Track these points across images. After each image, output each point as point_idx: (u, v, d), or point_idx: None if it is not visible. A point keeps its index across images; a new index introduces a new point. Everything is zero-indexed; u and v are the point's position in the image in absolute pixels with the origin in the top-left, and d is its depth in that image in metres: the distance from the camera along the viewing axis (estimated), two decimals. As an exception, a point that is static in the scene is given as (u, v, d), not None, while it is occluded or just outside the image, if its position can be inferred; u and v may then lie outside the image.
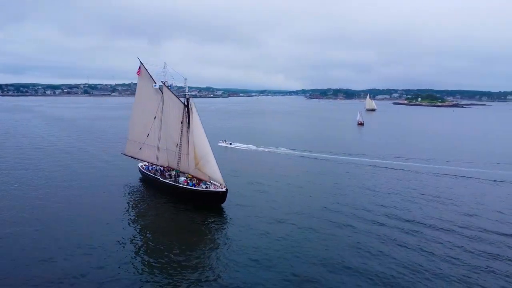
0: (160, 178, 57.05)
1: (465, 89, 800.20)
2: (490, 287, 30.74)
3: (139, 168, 65.49)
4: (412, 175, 69.16)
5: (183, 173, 56.04)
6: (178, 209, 48.42)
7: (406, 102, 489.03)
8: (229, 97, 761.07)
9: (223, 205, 48.93)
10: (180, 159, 54.67)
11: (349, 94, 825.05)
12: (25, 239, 38.06)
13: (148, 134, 61.47)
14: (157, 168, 61.41)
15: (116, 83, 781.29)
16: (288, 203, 50.86)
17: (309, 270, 32.74)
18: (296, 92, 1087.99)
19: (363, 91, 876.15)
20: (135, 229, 42.17)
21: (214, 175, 49.13)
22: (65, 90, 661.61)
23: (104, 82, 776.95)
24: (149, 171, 61.69)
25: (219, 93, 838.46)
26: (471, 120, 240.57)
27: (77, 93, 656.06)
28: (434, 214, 47.59)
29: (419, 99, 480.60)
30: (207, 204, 49.03)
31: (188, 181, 53.63)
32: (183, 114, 54.39)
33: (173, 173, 58.09)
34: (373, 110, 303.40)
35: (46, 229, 40.80)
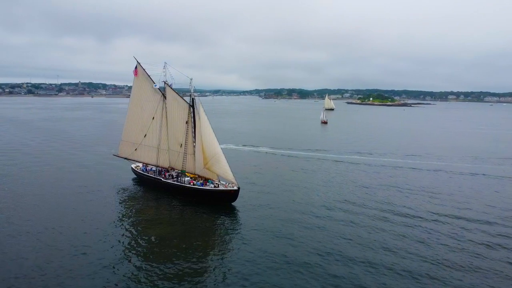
0: (163, 179, 56.70)
1: (410, 89, 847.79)
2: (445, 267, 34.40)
3: (133, 169, 64.50)
4: (390, 169, 73.68)
5: (185, 173, 56.19)
6: (185, 209, 48.35)
7: (358, 101, 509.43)
8: (184, 97, 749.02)
9: (234, 203, 49.80)
10: (186, 159, 54.66)
11: (303, 94, 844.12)
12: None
13: (145, 135, 60.79)
14: (155, 168, 60.82)
15: (62, 82, 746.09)
16: (282, 200, 52.73)
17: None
18: (250, 92, 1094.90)
19: (315, 91, 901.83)
20: (145, 231, 40.91)
21: (225, 174, 49.82)
22: (6, 90, 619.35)
23: (48, 81, 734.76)
24: (146, 172, 61.01)
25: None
26: (421, 117, 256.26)
27: (20, 93, 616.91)
28: (409, 203, 51.66)
29: (371, 98, 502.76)
30: (218, 203, 49.65)
31: (194, 181, 53.88)
32: (189, 114, 54.48)
33: (174, 173, 58.01)
34: (332, 109, 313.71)
35: (46, 243, 37.62)
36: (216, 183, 51.99)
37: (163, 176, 58.01)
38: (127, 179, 63.67)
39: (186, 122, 54.79)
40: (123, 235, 39.76)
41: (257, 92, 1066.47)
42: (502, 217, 46.92)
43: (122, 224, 43.05)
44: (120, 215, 46.20)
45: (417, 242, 38.93)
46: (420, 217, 46.30)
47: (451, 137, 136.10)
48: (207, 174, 52.67)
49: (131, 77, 61.17)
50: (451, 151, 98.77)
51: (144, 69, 59.66)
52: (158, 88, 58.64)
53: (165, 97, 58.46)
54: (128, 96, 69.18)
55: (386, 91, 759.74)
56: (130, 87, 59.65)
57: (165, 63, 57.58)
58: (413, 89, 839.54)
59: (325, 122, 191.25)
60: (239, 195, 49.61)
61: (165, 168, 59.25)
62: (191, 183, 53.46)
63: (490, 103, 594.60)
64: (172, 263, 33.31)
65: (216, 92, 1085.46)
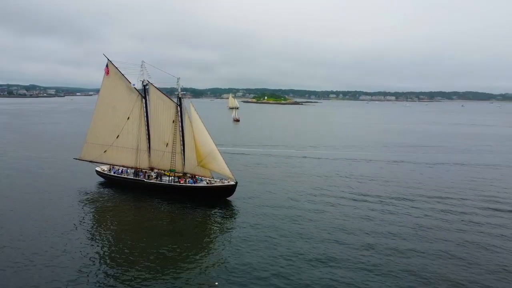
0: (145, 180, 55.90)
1: (295, 89, 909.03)
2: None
3: (99, 172, 61.34)
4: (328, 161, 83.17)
5: (162, 172, 56.50)
6: (173, 208, 48.62)
7: (254, 100, 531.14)
8: (66, 97, 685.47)
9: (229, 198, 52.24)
10: (174, 158, 54.84)
11: (196, 93, 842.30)
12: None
13: (118, 136, 58.74)
14: (129, 170, 59.21)
15: None
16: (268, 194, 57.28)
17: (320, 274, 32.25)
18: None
19: (208, 90, 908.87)
20: (139, 234, 39.87)
21: (222, 170, 51.78)
22: None
23: None
24: (120, 174, 59.09)
25: (52, 91, 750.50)
26: (318, 113, 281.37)
27: None
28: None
29: (266, 97, 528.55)
30: (215, 199, 51.42)
31: (181, 179, 54.56)
32: (176, 113, 54.80)
33: (154, 173, 57.58)
34: (237, 108, 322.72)
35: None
36: (208, 180, 53.60)
37: (144, 176, 57.01)
38: (92, 183, 60.25)
39: (173, 121, 55.00)
40: (113, 238, 38.81)
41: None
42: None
43: (110, 228, 41.69)
44: (104, 220, 44.49)
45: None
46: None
47: (352, 130, 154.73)
48: (200, 172, 53.84)
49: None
50: (359, 141, 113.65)
51: (117, 68, 57.68)
52: (135, 87, 57.41)
53: (143, 96, 57.56)
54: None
55: (274, 90, 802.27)
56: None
57: (143, 61, 56.75)
58: (298, 89, 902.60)
59: (237, 120, 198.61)
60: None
61: (142, 169, 58.22)
62: (181, 181, 54.08)
63: (366, 101, 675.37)
64: (167, 263, 33.55)
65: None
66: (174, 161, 54.94)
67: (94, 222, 43.85)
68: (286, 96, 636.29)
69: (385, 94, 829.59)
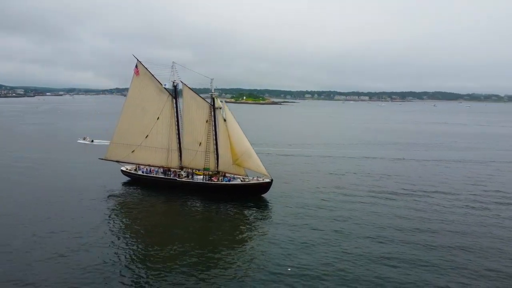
0: (178, 179, 56.90)
1: (270, 89, 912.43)
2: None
3: (125, 171, 61.78)
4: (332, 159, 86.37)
5: (192, 171, 57.80)
6: (212, 206, 49.79)
7: (233, 100, 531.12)
8: (36, 97, 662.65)
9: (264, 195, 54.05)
10: (208, 157, 56.06)
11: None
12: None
13: (147, 136, 59.39)
14: (158, 169, 59.93)
15: None
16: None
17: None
18: (110, 91, 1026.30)
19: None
20: (175, 233, 41.02)
21: (258, 168, 53.47)
22: None
23: None
24: (148, 173, 59.77)
25: (21, 91, 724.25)
26: (299, 113, 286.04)
27: None
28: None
29: (244, 97, 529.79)
30: (250, 196, 53.07)
31: (220, 177, 55.96)
32: (209, 113, 56.07)
33: (184, 172, 58.62)
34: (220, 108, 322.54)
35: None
36: (242, 178, 55.21)
37: (172, 176, 57.96)
38: (117, 183, 60.50)
39: (206, 121, 56.24)
40: (149, 237, 39.43)
41: (118, 91, 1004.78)
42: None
43: (145, 227, 42.35)
44: (137, 219, 45.14)
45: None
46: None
47: (355, 129, 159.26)
48: (234, 170, 55.32)
49: None
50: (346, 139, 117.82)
51: (147, 69, 58.31)
52: (165, 88, 58.26)
53: (173, 97, 58.47)
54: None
55: (250, 90, 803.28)
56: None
57: (173, 62, 57.76)
58: (273, 89, 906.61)
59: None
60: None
61: (172, 168, 59.09)
62: (214, 180, 55.47)
63: (342, 101, 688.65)
64: (200, 260, 34.21)
65: (71, 90, 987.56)
66: (208, 160, 56.17)
67: (127, 221, 44.51)
68: (263, 96, 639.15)
69: (359, 94, 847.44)
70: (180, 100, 58.25)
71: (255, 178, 54.52)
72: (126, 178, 62.20)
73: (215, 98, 56.01)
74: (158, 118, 58.83)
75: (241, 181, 54.80)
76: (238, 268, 32.85)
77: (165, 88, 58.20)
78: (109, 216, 45.55)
